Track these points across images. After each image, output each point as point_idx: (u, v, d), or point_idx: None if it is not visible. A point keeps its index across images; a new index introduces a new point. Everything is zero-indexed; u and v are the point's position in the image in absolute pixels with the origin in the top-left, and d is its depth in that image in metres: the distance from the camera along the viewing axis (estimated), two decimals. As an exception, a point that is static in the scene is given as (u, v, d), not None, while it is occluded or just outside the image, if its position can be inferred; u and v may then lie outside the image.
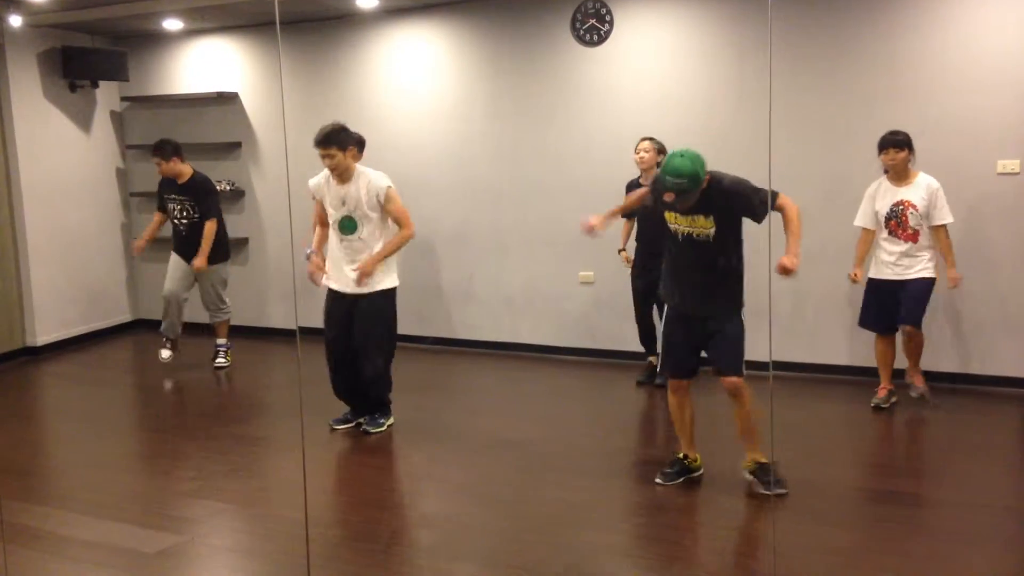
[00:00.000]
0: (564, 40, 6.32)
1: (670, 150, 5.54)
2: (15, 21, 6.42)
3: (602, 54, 6.24)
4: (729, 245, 3.86)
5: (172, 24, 7.21)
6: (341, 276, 4.80)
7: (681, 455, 4.16)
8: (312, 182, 4.86)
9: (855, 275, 5.12)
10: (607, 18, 6.18)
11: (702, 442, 4.21)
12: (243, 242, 7.63)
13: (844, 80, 5.63)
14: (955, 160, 5.29)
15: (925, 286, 4.92)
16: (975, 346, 5.45)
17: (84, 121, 7.61)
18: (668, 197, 3.74)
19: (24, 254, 7.09)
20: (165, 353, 6.40)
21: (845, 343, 5.80)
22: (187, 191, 6.20)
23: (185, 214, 6.23)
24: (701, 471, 4.17)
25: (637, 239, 5.73)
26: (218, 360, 6.47)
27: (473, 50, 6.65)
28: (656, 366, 5.81)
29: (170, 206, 6.29)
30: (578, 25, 6.27)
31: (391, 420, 5.03)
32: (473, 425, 5.14)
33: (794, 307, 5.77)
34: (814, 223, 5.75)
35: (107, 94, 7.80)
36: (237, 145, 7.59)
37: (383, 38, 6.92)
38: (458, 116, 6.76)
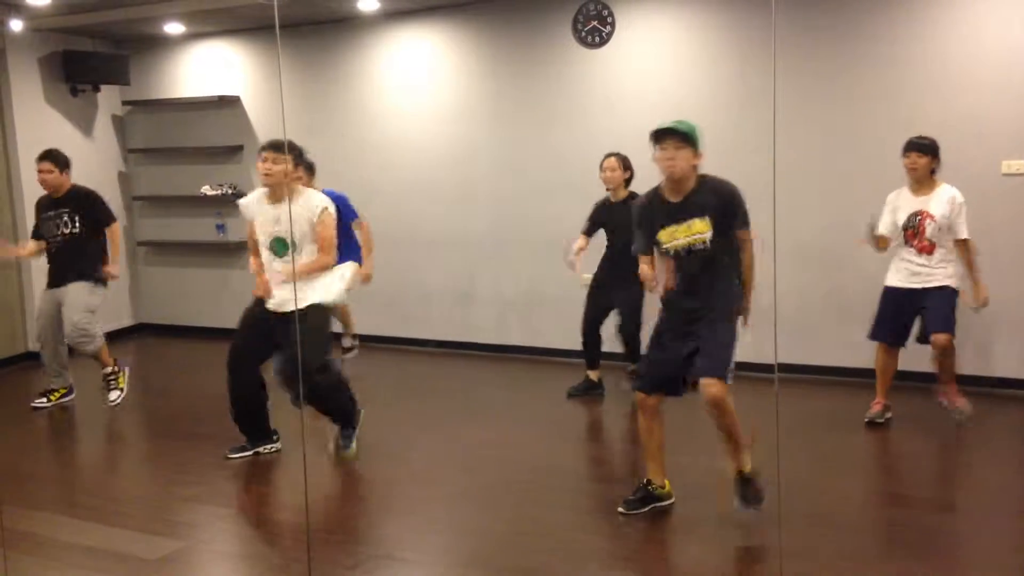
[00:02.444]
0: (565, 42, 6.30)
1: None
2: (16, 25, 6.42)
3: (604, 56, 6.22)
4: (726, 251, 3.67)
5: (173, 28, 7.21)
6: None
7: (646, 480, 3.84)
8: (242, 201, 4.58)
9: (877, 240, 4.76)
10: (609, 20, 6.16)
11: (707, 437, 4.15)
12: (244, 247, 7.60)
13: (848, 81, 5.61)
14: (960, 160, 5.25)
15: (948, 295, 4.65)
16: (981, 348, 5.41)
17: (86, 125, 7.61)
18: (659, 150, 3.60)
19: (25, 259, 7.08)
20: (41, 401, 5.75)
21: (847, 345, 5.77)
22: (67, 203, 5.52)
23: (60, 230, 5.51)
24: (671, 500, 3.85)
25: (587, 233, 5.53)
26: (111, 395, 5.65)
27: (474, 52, 6.63)
28: (594, 380, 5.64)
29: (47, 225, 5.57)
30: (580, 27, 6.25)
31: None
32: (474, 428, 5.12)
33: (796, 308, 5.74)
34: (818, 224, 5.74)
35: (109, 98, 7.80)
36: (239, 149, 7.58)
37: (384, 41, 6.91)
38: (459, 118, 6.74)
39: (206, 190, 7.60)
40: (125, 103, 7.92)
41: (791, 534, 3.57)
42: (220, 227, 7.73)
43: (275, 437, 4.73)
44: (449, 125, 6.78)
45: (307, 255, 4.41)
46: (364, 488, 4.40)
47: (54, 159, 5.51)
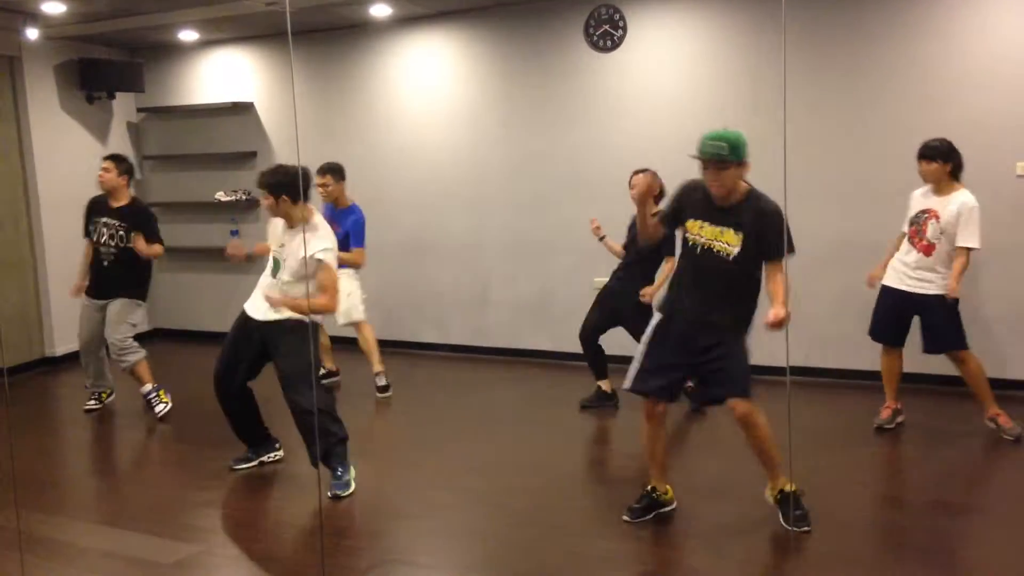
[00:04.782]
0: (577, 46, 6.31)
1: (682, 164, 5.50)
2: (32, 34, 6.48)
3: (616, 60, 6.23)
4: (748, 268, 3.54)
5: (187, 35, 7.26)
6: None
7: (650, 488, 3.82)
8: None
9: (871, 277, 4.89)
10: (620, 24, 6.17)
11: (719, 443, 4.16)
12: (259, 251, 7.65)
13: (860, 84, 5.59)
14: (974, 162, 5.20)
15: (948, 306, 4.56)
16: (994, 350, 5.37)
17: (101, 132, 7.67)
18: (702, 168, 3.48)
19: (42, 265, 7.15)
20: (92, 404, 5.78)
21: (861, 348, 5.74)
22: (123, 216, 5.44)
23: (113, 241, 5.43)
24: (673, 505, 3.85)
25: (625, 248, 5.40)
26: (157, 408, 5.59)
27: (486, 57, 6.65)
28: (606, 391, 5.47)
29: (98, 230, 5.47)
30: (591, 31, 6.26)
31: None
32: (487, 433, 5.13)
33: (808, 311, 5.72)
34: (831, 228, 5.72)
35: (123, 105, 7.86)
36: (252, 155, 7.62)
37: (396, 47, 6.94)
38: (472, 123, 6.76)
39: (220, 196, 7.64)
40: (140, 110, 7.98)
41: (803, 537, 3.56)
42: (234, 233, 7.77)
43: (276, 445, 4.69)
44: (461, 130, 6.80)
45: (294, 287, 4.24)
46: (377, 493, 4.40)
47: (116, 160, 5.50)
